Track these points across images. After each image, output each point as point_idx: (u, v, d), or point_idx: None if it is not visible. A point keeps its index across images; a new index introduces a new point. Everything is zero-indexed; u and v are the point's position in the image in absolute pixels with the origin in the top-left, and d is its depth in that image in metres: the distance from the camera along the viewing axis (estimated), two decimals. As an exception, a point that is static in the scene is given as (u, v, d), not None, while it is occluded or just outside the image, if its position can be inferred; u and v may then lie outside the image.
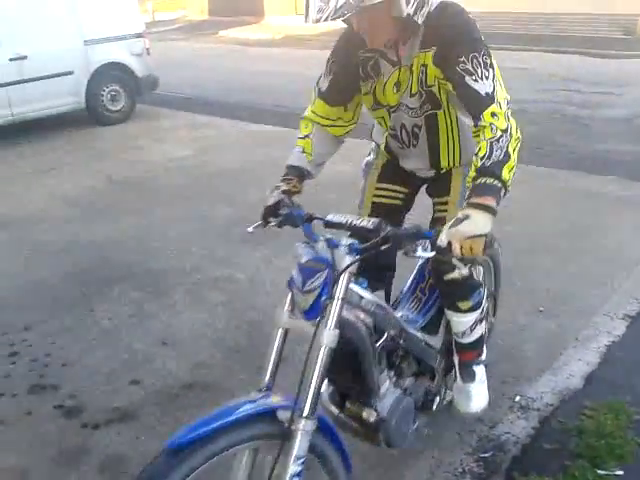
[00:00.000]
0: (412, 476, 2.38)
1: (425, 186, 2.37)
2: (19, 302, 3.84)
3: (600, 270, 3.89)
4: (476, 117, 1.80)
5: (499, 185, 1.68)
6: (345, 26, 1.99)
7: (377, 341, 1.94)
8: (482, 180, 1.69)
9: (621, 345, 3.12)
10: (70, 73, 7.93)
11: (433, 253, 1.64)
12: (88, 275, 4.15)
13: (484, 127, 1.76)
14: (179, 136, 7.93)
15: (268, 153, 6.39)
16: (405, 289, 2.44)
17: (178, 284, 3.95)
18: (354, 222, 1.78)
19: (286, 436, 1.58)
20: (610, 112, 8.12)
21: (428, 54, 1.89)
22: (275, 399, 1.64)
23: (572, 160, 6.20)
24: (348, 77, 2.08)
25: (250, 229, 1.96)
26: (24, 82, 7.53)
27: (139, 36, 8.63)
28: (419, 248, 1.67)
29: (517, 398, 2.75)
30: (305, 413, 1.59)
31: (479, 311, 2.29)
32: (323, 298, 1.65)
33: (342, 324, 1.69)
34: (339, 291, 1.66)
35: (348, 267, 1.66)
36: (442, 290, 2.27)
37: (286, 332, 1.76)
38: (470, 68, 1.79)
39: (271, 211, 1.94)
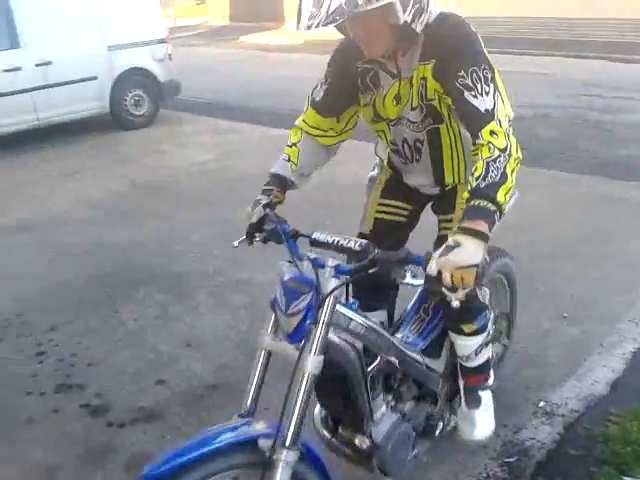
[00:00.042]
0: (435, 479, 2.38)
1: (430, 203, 2.30)
2: (44, 303, 3.90)
3: (623, 276, 3.86)
4: (474, 135, 1.72)
5: (493, 208, 1.58)
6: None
7: (369, 365, 1.87)
8: (475, 202, 1.60)
9: (647, 352, 3.09)
10: (94, 78, 8.04)
11: (422, 282, 1.56)
12: (112, 277, 4.21)
13: (482, 146, 1.68)
14: (201, 141, 8.00)
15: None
16: (408, 309, 2.35)
17: (201, 287, 3.99)
18: (341, 242, 1.71)
19: (267, 466, 1.52)
20: (632, 117, 8.05)
21: (427, 67, 1.82)
22: (257, 426, 1.58)
23: (594, 165, 6.15)
24: (344, 88, 2.01)
25: (235, 243, 1.92)
26: (49, 87, 7.65)
27: (162, 42, 8.72)
28: (408, 274, 1.61)
29: (541, 404, 2.73)
30: (287, 442, 1.53)
31: (484, 334, 2.20)
32: (307, 322, 1.58)
33: (329, 348, 1.64)
34: (323, 316, 1.59)
35: (333, 291, 1.59)
36: (445, 312, 2.17)
37: (269, 354, 1.71)
38: (469, 83, 1.71)
39: (255, 227, 1.88)
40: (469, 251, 1.50)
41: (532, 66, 11.38)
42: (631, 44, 14.25)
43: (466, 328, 2.14)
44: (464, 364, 2.25)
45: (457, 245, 1.51)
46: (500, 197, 1.59)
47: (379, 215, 2.29)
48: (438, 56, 1.78)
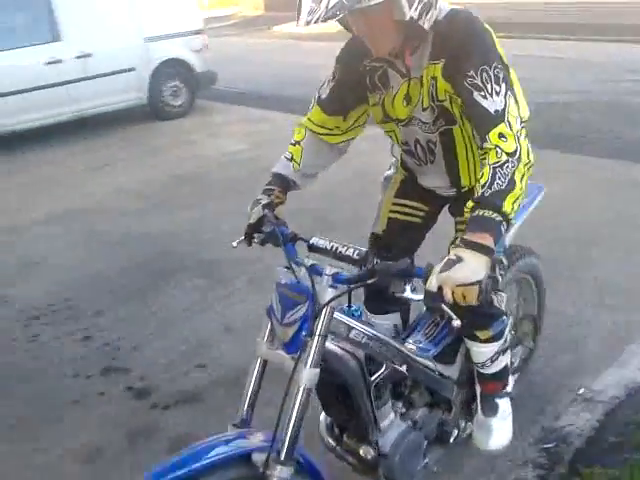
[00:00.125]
0: (473, 465, 2.39)
1: (448, 205, 2.20)
2: (88, 290, 4.01)
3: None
4: (482, 138, 1.62)
5: (499, 219, 1.48)
6: None
7: (374, 373, 1.82)
8: (480, 212, 1.49)
9: (688, 340, 3.05)
10: (132, 70, 8.16)
11: (422, 297, 1.46)
12: (149, 265, 4.30)
13: (489, 150, 1.58)
14: (234, 130, 8.07)
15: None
16: (422, 312, 2.25)
17: (238, 274, 4.05)
18: (339, 249, 1.65)
19: None
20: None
21: (437, 66, 1.72)
22: (251, 440, 1.55)
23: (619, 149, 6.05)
24: (352, 87, 1.93)
25: (234, 244, 1.87)
26: (89, 79, 7.78)
27: (198, 32, 8.80)
28: (407, 288, 1.52)
29: (581, 390, 2.72)
30: (282, 457, 1.50)
31: (501, 341, 2.10)
32: (303, 333, 1.54)
33: (328, 357, 1.61)
34: (319, 327, 1.54)
35: (330, 302, 1.54)
36: (459, 317, 2.17)
37: (265, 363, 1.67)
38: (479, 83, 1.62)
39: (254, 228, 1.83)
40: (471, 267, 1.41)
41: (574, 52, 11.18)
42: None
43: (481, 335, 2.05)
44: (480, 371, 2.17)
45: (459, 260, 1.41)
46: (507, 206, 1.49)
47: (393, 215, 2.21)
48: (448, 55, 1.69)
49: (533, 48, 11.81)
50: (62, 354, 3.30)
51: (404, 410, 2.02)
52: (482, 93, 1.61)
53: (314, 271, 1.60)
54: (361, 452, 1.91)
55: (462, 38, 1.66)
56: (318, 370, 1.54)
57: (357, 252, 1.62)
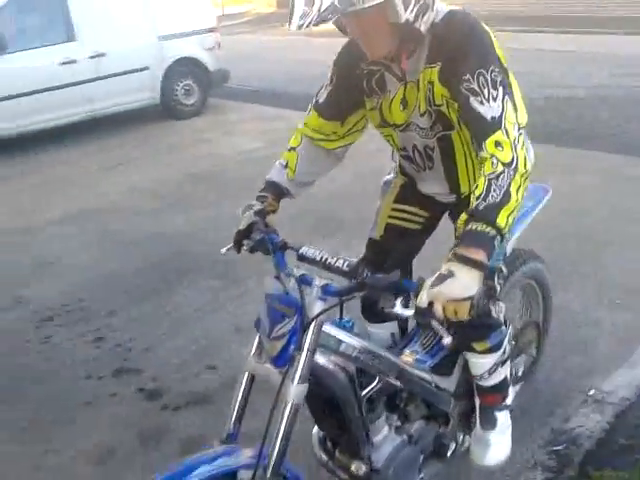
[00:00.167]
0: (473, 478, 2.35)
1: (448, 211, 2.15)
2: (101, 291, 4.04)
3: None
4: (479, 145, 1.57)
5: (492, 233, 1.44)
6: None
7: (366, 387, 1.78)
8: (473, 226, 1.45)
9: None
10: (146, 69, 8.19)
11: (412, 312, 1.42)
12: (162, 265, 4.32)
13: (485, 159, 1.53)
14: (248, 129, 8.08)
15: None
16: None
17: (251, 273, 4.05)
18: (329, 260, 1.60)
19: None
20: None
21: (434, 70, 1.68)
22: (237, 457, 1.53)
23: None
24: (349, 91, 1.89)
25: (223, 251, 1.85)
26: (103, 79, 7.82)
27: (211, 31, 8.81)
28: (398, 302, 1.45)
29: (591, 392, 2.70)
30: (268, 475, 1.48)
31: (499, 353, 2.03)
32: (291, 348, 1.50)
33: (318, 371, 1.59)
34: (307, 343, 1.51)
35: (318, 316, 1.51)
36: (455, 327, 1.92)
37: (253, 377, 1.64)
38: (476, 87, 1.56)
39: (243, 234, 1.80)
40: (463, 282, 1.37)
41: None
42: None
43: (478, 346, 1.99)
44: (478, 383, 2.11)
45: (450, 275, 1.37)
46: (501, 220, 1.45)
47: (391, 220, 2.16)
48: (444, 58, 1.65)
49: (549, 42, 11.70)
50: (75, 355, 3.34)
51: (399, 423, 1.98)
52: (479, 98, 1.56)
53: (304, 282, 1.56)
54: (353, 468, 1.85)
55: (458, 40, 1.62)
56: (306, 386, 1.52)
57: (347, 263, 1.57)
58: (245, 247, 1.81)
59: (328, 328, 1.63)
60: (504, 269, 1.98)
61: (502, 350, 2.04)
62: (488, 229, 1.44)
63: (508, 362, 2.15)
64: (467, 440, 2.24)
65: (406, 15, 1.56)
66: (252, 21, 23.67)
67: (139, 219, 5.23)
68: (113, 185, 6.17)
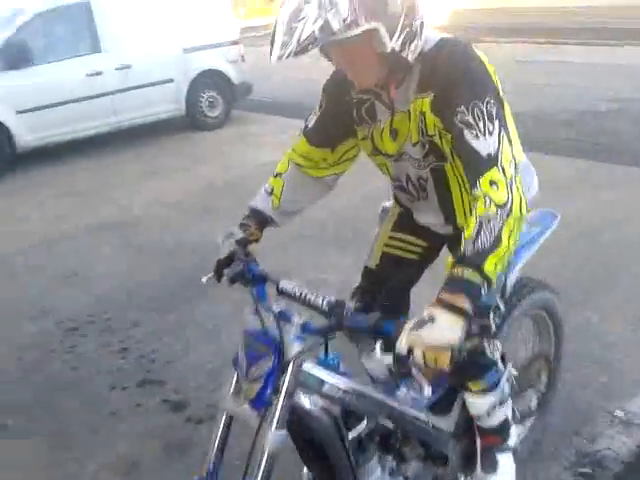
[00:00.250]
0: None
1: (447, 243, 2.05)
2: (127, 301, 4.09)
3: None
4: (473, 183, 1.47)
5: (478, 280, 1.35)
6: None
7: (353, 428, 1.69)
8: (459, 271, 1.36)
9: None
10: (171, 81, 8.29)
11: (390, 358, 1.35)
12: (189, 275, 4.34)
13: (478, 198, 1.43)
14: (271, 140, 8.10)
15: (360, 155, 6.44)
16: None
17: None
18: (308, 296, 1.52)
19: None
20: None
21: (425, 100, 1.60)
22: None
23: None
24: (338, 119, 1.82)
25: (204, 280, 1.79)
26: (128, 90, 7.93)
27: (235, 43, 8.89)
28: (377, 346, 1.37)
29: (618, 413, 2.67)
30: None
31: (496, 393, 1.92)
32: (268, 391, 1.44)
33: (300, 413, 1.53)
34: (285, 386, 1.43)
35: (295, 358, 1.44)
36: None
37: (231, 417, 1.57)
38: (470, 120, 1.48)
39: (224, 263, 1.74)
40: (443, 329, 1.29)
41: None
42: None
43: (473, 386, 1.90)
44: (478, 423, 2.01)
45: (431, 320, 1.29)
46: (488, 267, 1.36)
47: (387, 249, 2.09)
48: (436, 88, 1.56)
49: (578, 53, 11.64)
50: (99, 366, 3.37)
51: (394, 464, 1.88)
52: (473, 132, 1.47)
53: (283, 317, 1.48)
54: None
55: (451, 70, 1.54)
56: (284, 432, 1.45)
57: (327, 301, 1.48)
58: (225, 277, 1.74)
59: (309, 367, 1.55)
60: (501, 306, 1.89)
61: (499, 390, 1.94)
62: (473, 276, 1.35)
63: (508, 402, 2.03)
64: None
65: (392, 44, 1.49)
66: (275, 33, 23.81)
67: (163, 230, 5.29)
68: (137, 196, 6.24)
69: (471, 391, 1.91)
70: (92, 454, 2.73)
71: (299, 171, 1.93)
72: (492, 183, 1.42)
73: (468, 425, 2.04)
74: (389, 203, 2.16)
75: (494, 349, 1.87)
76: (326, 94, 1.86)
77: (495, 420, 1.97)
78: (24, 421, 2.97)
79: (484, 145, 1.46)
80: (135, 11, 7.99)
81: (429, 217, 1.95)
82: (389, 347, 1.35)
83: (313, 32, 1.39)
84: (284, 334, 1.45)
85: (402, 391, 1.93)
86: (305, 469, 1.93)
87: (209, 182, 6.49)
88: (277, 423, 1.43)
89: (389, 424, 1.79)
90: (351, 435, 1.69)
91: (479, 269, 1.35)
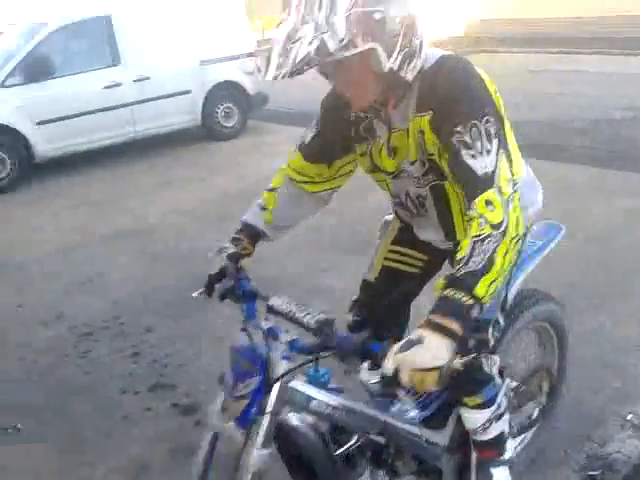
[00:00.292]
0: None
1: (449, 258, 2.01)
2: (140, 307, 4.13)
3: None
4: (468, 203, 1.45)
5: (469, 302, 1.31)
6: None
7: (343, 444, 1.67)
8: (450, 292, 1.33)
9: None
10: (188, 92, 8.38)
11: (377, 380, 1.31)
12: (199, 283, 4.36)
13: (473, 219, 1.40)
14: (287, 150, 7.90)
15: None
16: None
17: (287, 291, 4.08)
18: (297, 314, 1.48)
19: None
20: None
21: (424, 119, 1.57)
22: None
23: None
24: (336, 136, 1.80)
25: (195, 295, 1.77)
26: (146, 101, 8.04)
27: (250, 55, 8.96)
28: (364, 367, 1.36)
29: (629, 416, 2.65)
30: None
31: (492, 408, 1.89)
32: (254, 410, 1.43)
33: (286, 430, 1.52)
34: (270, 405, 1.43)
35: (281, 377, 1.43)
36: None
37: (217, 435, 1.56)
38: (468, 140, 1.45)
39: (215, 278, 1.73)
40: (432, 350, 1.25)
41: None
42: None
43: (469, 401, 1.87)
44: (473, 437, 1.98)
45: (419, 341, 1.26)
46: (480, 290, 1.32)
47: (387, 263, 2.06)
48: (435, 107, 1.53)
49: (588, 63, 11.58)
50: (112, 370, 3.41)
51: (387, 479, 1.85)
52: (471, 152, 1.45)
53: (272, 334, 1.48)
54: None
55: (450, 88, 1.51)
56: (269, 451, 1.44)
57: (315, 319, 1.45)
58: (216, 292, 1.73)
59: (297, 384, 1.54)
60: (501, 320, 1.86)
61: (496, 405, 1.91)
62: (465, 298, 1.32)
63: (505, 417, 1.99)
64: None
65: (389, 64, 1.46)
66: (292, 45, 24.00)
67: (178, 238, 5.33)
68: (152, 206, 6.30)
69: (467, 406, 1.89)
70: (104, 458, 2.75)
71: (294, 186, 1.91)
72: (488, 203, 1.40)
73: (463, 439, 2.00)
74: (391, 216, 2.14)
75: (491, 364, 1.85)
76: (324, 110, 1.84)
77: (490, 434, 1.94)
78: (36, 424, 3.00)
79: (481, 165, 1.44)
80: (154, 25, 8.12)
81: (429, 233, 1.93)
82: (376, 367, 1.34)
83: (309, 53, 1.37)
84: (271, 352, 1.45)
85: (396, 405, 1.89)
86: None
87: (224, 191, 6.53)
88: (262, 442, 1.43)
89: (381, 439, 1.76)
90: (340, 451, 1.67)
91: (470, 291, 1.32)
